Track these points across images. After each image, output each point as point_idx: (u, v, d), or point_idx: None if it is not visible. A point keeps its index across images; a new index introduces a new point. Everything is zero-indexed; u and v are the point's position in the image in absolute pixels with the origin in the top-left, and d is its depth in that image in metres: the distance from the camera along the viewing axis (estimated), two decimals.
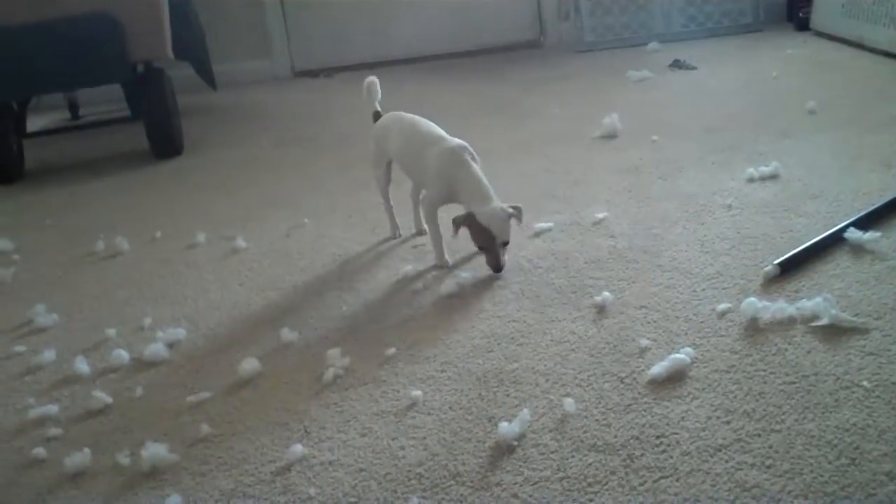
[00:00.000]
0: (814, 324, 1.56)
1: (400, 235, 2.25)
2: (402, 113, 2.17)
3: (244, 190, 2.95)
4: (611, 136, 2.98)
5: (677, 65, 4.03)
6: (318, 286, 2.04)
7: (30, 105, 4.12)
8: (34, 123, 4.34)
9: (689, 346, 1.55)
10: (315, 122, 3.85)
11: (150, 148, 3.54)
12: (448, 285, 1.91)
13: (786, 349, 1.51)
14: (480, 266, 2.00)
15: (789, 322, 1.58)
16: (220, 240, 2.45)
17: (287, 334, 1.79)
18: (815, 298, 1.61)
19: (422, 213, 2.12)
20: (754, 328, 1.59)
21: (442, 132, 2.04)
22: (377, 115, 2.23)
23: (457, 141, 1.98)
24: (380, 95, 2.26)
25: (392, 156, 2.15)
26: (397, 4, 5.08)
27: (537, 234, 2.17)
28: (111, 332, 1.92)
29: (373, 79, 2.27)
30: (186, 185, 3.11)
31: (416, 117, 2.12)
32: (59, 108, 4.73)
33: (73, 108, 4.64)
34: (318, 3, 5.08)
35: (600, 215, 2.22)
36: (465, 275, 1.97)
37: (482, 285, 1.92)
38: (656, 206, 2.26)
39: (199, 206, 2.81)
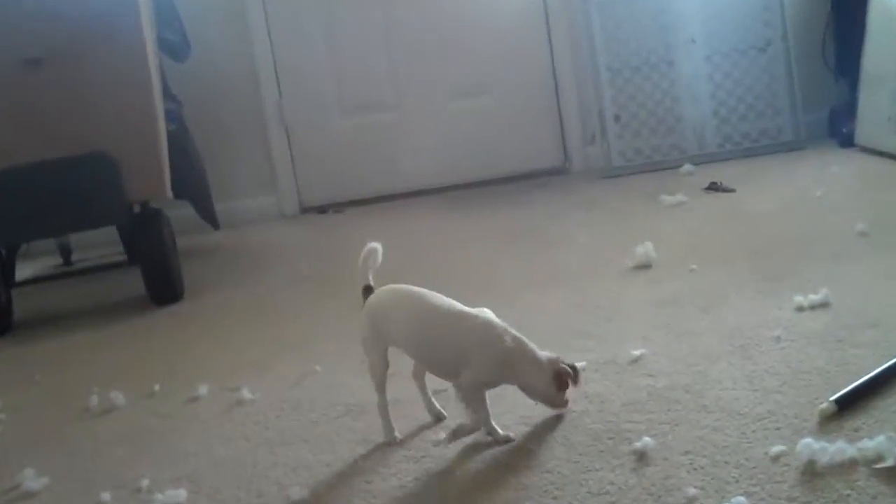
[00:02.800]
0: (878, 466, 1.56)
1: (398, 439, 1.99)
2: (402, 286, 1.99)
3: (249, 336, 3.00)
4: (645, 265, 3.03)
5: (714, 187, 4.13)
6: (332, 440, 2.05)
7: (19, 251, 4.20)
8: (24, 271, 4.44)
9: (741, 494, 1.54)
10: (324, 261, 3.93)
11: (148, 293, 3.59)
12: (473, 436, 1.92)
13: (848, 495, 1.50)
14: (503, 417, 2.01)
15: (850, 464, 1.58)
16: (224, 391, 2.47)
17: (298, 493, 1.79)
18: (877, 437, 1.61)
19: (463, 400, 1.91)
20: (812, 472, 1.58)
21: (457, 303, 1.94)
22: (368, 290, 2.02)
23: (484, 311, 1.92)
24: (379, 263, 2.06)
25: (396, 341, 1.95)
26: (408, 133, 5.24)
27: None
28: (106, 495, 1.93)
29: (375, 246, 2.03)
30: (187, 332, 3.16)
31: (422, 290, 1.95)
32: (50, 254, 4.85)
33: (66, 252, 4.73)
34: (324, 135, 5.24)
35: (637, 352, 2.25)
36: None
37: (511, 432, 1.93)
38: (698, 341, 2.29)
39: (200, 355, 2.85)
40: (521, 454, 1.83)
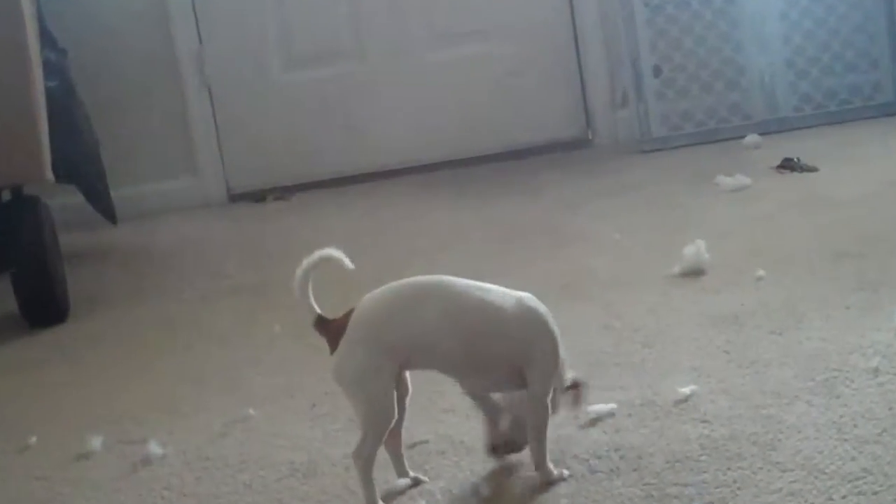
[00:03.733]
0: None
1: (417, 478, 2.03)
2: (406, 281, 1.98)
3: (158, 368, 2.98)
4: (696, 272, 3.03)
5: (789, 165, 4.13)
6: None
7: None
8: None
9: None
10: (262, 266, 3.92)
11: (21, 311, 3.57)
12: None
13: None
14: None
15: None
16: (124, 445, 2.45)
17: None
18: None
19: (532, 412, 1.95)
20: None
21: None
22: (322, 323, 1.95)
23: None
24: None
25: (421, 357, 1.94)
26: (376, 92, 5.23)
27: (594, 422, 2.18)
28: None
29: (327, 254, 1.97)
30: (74, 363, 3.14)
31: (437, 278, 1.97)
32: None
33: None
34: (261, 96, 5.23)
35: (685, 390, 2.24)
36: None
37: (518, 496, 1.92)
38: (768, 374, 2.29)
39: (92, 396, 2.83)
40: None
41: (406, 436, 2.05)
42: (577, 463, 2.02)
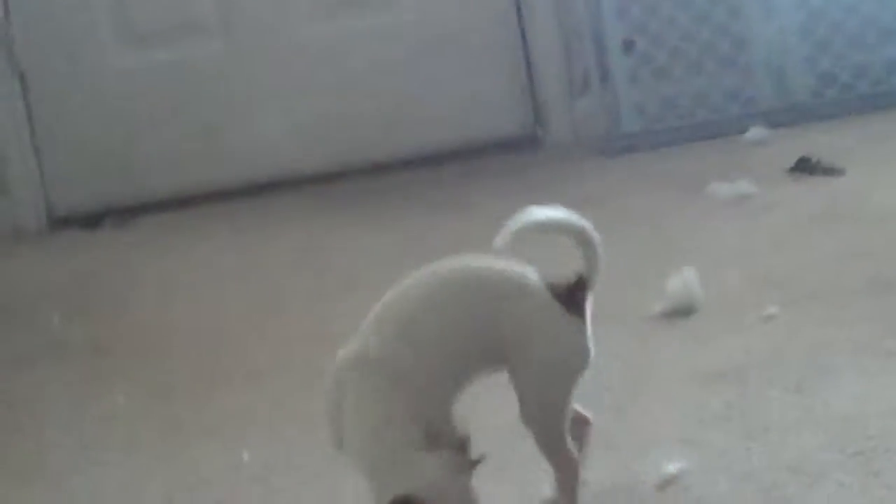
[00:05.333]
0: None
1: None
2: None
3: None
4: (684, 311, 3.06)
5: (806, 167, 4.19)
6: None
7: None
8: None
9: None
10: (93, 316, 3.91)
11: None
12: None
13: None
14: None
15: None
16: None
17: None
18: None
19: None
20: None
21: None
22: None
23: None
24: None
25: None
26: (245, 79, 5.26)
27: None
28: None
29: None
30: None
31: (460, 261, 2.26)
32: None
33: None
34: (92, 87, 5.23)
35: (672, 468, 2.26)
36: None
37: None
38: (784, 445, 2.31)
39: None
40: None
41: None
42: None
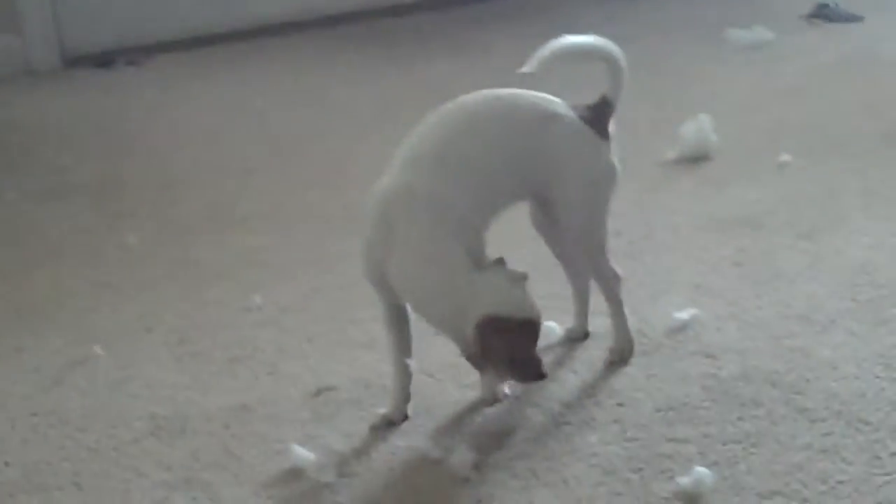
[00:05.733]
0: None
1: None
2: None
3: None
4: (698, 157, 3.06)
5: (823, 14, 4.17)
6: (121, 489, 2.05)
7: None
8: None
9: None
10: (109, 156, 3.90)
11: None
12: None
13: None
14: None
15: None
16: None
17: None
18: None
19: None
20: None
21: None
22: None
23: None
24: None
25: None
26: None
27: (560, 359, 2.21)
28: None
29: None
30: None
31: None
32: None
33: None
34: None
35: (683, 315, 2.27)
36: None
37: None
38: (793, 293, 2.32)
39: None
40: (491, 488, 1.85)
41: (312, 379, 2.06)
42: (538, 413, 2.04)
